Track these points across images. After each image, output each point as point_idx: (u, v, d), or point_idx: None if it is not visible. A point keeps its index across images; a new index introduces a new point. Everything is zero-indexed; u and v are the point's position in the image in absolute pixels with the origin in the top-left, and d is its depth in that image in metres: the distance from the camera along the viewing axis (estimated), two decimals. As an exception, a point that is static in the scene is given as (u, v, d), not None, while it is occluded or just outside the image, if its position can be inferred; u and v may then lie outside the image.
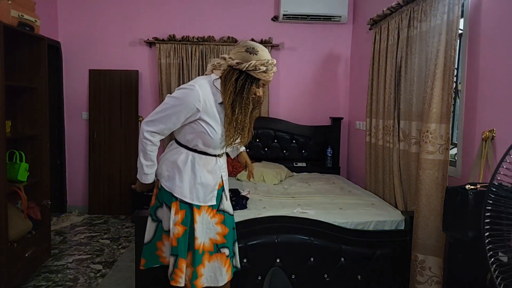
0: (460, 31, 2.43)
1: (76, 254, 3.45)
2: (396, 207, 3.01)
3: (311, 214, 2.70)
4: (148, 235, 1.97)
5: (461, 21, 2.44)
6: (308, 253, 2.58)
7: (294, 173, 4.33)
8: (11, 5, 2.68)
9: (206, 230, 1.88)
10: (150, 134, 1.79)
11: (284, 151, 4.57)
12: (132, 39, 4.61)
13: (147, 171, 1.85)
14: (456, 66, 2.59)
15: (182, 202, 1.83)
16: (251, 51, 1.73)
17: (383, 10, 3.26)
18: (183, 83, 4.50)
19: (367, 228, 2.67)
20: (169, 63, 4.51)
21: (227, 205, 1.97)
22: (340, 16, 4.44)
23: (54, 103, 4.47)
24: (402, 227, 2.70)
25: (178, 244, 1.82)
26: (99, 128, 4.59)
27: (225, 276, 1.91)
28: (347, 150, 4.79)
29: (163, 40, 4.50)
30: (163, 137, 1.84)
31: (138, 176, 1.89)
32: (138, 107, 4.63)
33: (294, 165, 4.50)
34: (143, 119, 4.66)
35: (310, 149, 4.58)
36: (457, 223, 1.90)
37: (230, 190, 2.47)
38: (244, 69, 1.72)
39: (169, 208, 1.84)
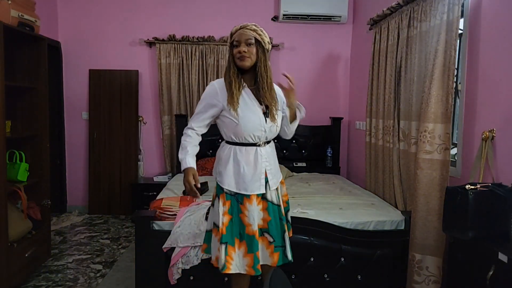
0: (460, 31, 2.43)
1: (76, 254, 3.45)
2: (396, 207, 3.01)
3: (311, 214, 2.70)
4: (209, 224, 2.12)
5: (461, 21, 2.44)
6: (308, 253, 2.58)
7: (294, 173, 4.33)
8: (11, 5, 2.68)
9: (259, 218, 1.98)
10: (185, 129, 2.03)
11: (284, 151, 4.57)
12: (132, 39, 4.61)
13: (179, 156, 1.99)
14: (456, 66, 2.60)
15: (228, 193, 1.96)
16: None
17: (383, 10, 3.26)
18: (183, 83, 4.53)
19: (367, 228, 2.67)
20: (169, 63, 4.51)
21: (271, 194, 2.01)
22: (340, 16, 4.44)
23: (54, 103, 4.47)
24: (402, 227, 2.70)
25: (227, 232, 1.93)
26: (99, 128, 4.59)
27: (269, 259, 1.98)
28: (347, 150, 4.79)
29: (163, 40, 4.50)
30: (199, 132, 2.01)
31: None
32: (138, 107, 4.62)
33: (294, 165, 4.50)
34: (143, 119, 4.67)
35: (310, 149, 4.58)
36: (457, 223, 1.90)
37: None
38: (228, 47, 2.02)
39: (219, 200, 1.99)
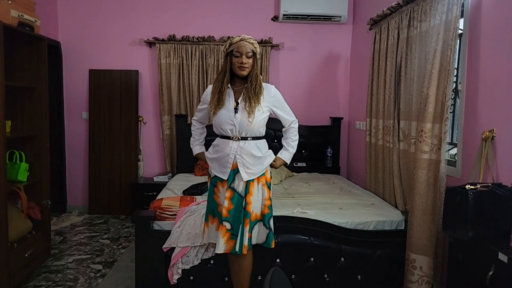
0: (460, 31, 2.43)
1: (76, 254, 3.45)
2: (396, 207, 3.01)
3: (311, 214, 2.71)
4: None
5: (461, 21, 2.44)
6: (308, 253, 2.58)
7: (294, 173, 4.33)
8: (11, 5, 2.68)
9: (223, 200, 2.24)
10: (193, 116, 2.51)
11: (284, 151, 4.56)
12: (132, 39, 4.61)
13: (191, 145, 2.51)
14: (456, 66, 2.60)
15: (211, 177, 2.33)
16: None
17: (383, 10, 3.26)
18: (183, 83, 4.53)
19: (367, 228, 2.67)
20: (169, 63, 4.51)
21: (239, 186, 2.23)
22: (340, 16, 4.44)
23: (54, 103, 4.46)
24: (402, 227, 2.70)
25: (206, 210, 2.34)
26: (99, 128, 4.59)
27: (222, 246, 2.17)
28: (347, 150, 4.79)
29: (163, 40, 4.50)
30: (200, 121, 2.47)
31: None
32: (138, 107, 4.62)
33: (294, 165, 4.49)
34: (143, 119, 4.67)
35: (310, 149, 4.58)
36: (457, 223, 1.90)
37: None
38: (224, 53, 2.25)
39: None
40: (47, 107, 3.08)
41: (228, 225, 2.18)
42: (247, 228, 2.17)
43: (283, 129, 2.46)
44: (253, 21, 4.59)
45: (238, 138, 2.22)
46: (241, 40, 2.19)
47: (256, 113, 2.20)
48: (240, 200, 2.21)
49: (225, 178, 2.22)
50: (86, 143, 4.65)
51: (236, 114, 2.20)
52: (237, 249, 2.17)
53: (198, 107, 2.45)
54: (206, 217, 2.32)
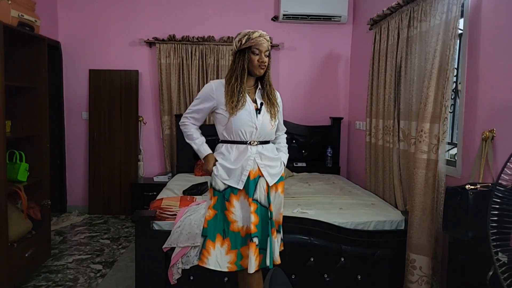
0: (460, 31, 2.43)
1: (76, 254, 3.45)
2: (396, 207, 3.01)
3: (311, 214, 2.71)
4: None
5: (461, 21, 2.44)
6: (308, 253, 2.58)
7: (294, 173, 4.33)
8: (11, 5, 2.68)
9: (245, 216, 2.02)
10: (184, 118, 2.16)
11: (284, 151, 4.56)
12: (132, 39, 4.61)
13: (192, 145, 2.15)
14: (456, 66, 2.60)
15: (215, 189, 2.05)
16: (236, 36, 2.05)
17: (383, 10, 3.26)
18: (183, 83, 4.53)
19: (367, 228, 2.67)
20: (169, 63, 4.51)
21: (261, 195, 2.04)
22: (340, 16, 4.44)
23: (54, 103, 4.46)
24: (402, 227, 2.70)
25: (208, 226, 2.02)
26: (99, 128, 4.59)
27: (254, 264, 1.96)
28: (347, 150, 4.79)
29: (163, 40, 4.50)
30: (195, 124, 2.15)
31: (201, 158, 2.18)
32: (138, 107, 4.62)
33: (294, 165, 4.50)
34: (143, 119, 4.67)
35: (310, 149, 4.58)
36: (457, 223, 1.90)
37: None
38: (237, 48, 2.03)
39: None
40: (47, 107, 3.08)
41: (257, 241, 1.98)
42: (277, 238, 2.05)
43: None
44: (253, 21, 4.59)
45: (256, 143, 2.04)
46: (260, 36, 2.01)
47: (277, 116, 2.10)
48: (264, 211, 2.03)
49: (241, 188, 2.01)
50: (86, 143, 4.65)
51: (259, 116, 2.02)
52: (268, 263, 1.99)
53: (197, 107, 2.11)
54: (212, 236, 2.01)
